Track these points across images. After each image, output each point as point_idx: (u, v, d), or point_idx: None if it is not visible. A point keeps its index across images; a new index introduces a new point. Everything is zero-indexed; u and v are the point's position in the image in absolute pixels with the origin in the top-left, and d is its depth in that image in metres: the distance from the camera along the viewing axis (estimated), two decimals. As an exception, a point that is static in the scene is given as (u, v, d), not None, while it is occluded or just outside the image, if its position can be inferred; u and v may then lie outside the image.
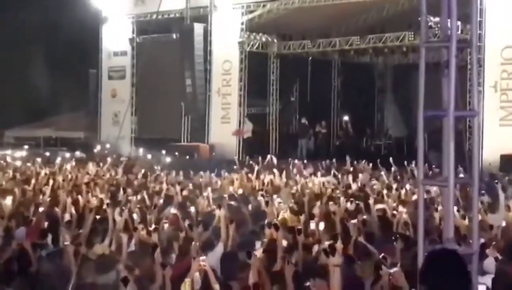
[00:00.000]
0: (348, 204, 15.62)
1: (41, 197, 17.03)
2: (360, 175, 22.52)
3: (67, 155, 31.35)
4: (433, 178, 10.44)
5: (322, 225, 12.67)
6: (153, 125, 34.79)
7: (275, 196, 17.35)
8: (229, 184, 20.40)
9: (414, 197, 16.61)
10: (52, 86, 36.07)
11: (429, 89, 6.50)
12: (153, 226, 12.61)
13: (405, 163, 23.41)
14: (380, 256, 10.32)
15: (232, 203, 15.85)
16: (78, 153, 32.43)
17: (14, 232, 12.56)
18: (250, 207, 15.87)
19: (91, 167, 24.87)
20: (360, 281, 9.97)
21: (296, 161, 27.22)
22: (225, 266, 10.42)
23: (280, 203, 16.15)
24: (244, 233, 12.40)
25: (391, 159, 24.18)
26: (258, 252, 9.83)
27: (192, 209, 15.17)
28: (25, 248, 10.72)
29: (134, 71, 36.32)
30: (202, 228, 12.80)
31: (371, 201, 15.14)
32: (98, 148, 33.94)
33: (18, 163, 26.50)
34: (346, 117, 36.38)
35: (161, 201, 16.57)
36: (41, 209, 14.52)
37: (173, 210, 14.61)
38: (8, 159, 28.74)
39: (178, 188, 18.84)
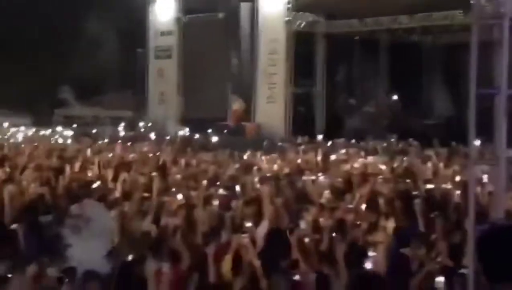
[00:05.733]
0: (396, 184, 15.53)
1: (89, 174, 17.19)
2: (408, 155, 22.35)
3: (115, 133, 31.61)
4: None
5: (363, 205, 12.66)
6: (200, 104, 34.84)
7: (321, 175, 17.31)
8: (275, 164, 20.38)
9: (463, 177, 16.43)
10: (101, 65, 36.31)
11: (478, 68, 6.38)
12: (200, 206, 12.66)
13: (454, 142, 23.19)
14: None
15: (278, 182, 15.83)
16: (126, 132, 32.65)
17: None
18: (296, 186, 15.84)
19: (138, 146, 25.03)
20: (407, 260, 9.92)
21: (343, 141, 27.10)
22: (271, 244, 10.42)
23: (326, 182, 16.10)
24: (289, 212, 12.36)
25: (436, 140, 23.95)
26: (302, 231, 9.81)
27: (238, 188, 15.18)
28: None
29: (180, 50, 36.38)
30: (249, 207, 12.79)
31: (420, 181, 15.02)
32: (145, 126, 34.11)
33: (67, 142, 26.78)
34: (394, 97, 36.07)
35: (208, 180, 16.60)
36: (94, 186, 14.68)
37: (221, 191, 14.62)
38: (58, 138, 29.09)
39: (224, 167, 18.90)
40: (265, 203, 12.19)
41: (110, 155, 21.01)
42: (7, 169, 16.88)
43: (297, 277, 8.93)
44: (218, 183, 15.90)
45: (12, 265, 8.63)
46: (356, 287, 6.80)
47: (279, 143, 26.47)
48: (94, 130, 32.73)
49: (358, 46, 35.94)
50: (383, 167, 19.48)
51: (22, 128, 32.47)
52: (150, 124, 34.42)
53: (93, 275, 8.36)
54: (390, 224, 10.93)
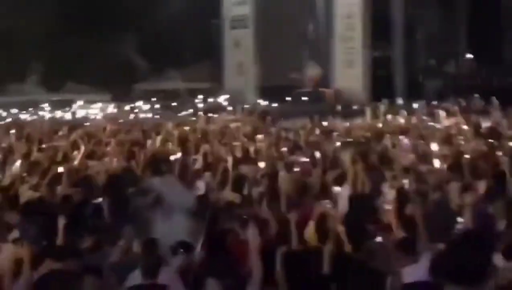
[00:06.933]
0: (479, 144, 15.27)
1: (171, 147, 17.30)
2: (491, 114, 21.94)
3: (194, 105, 31.87)
4: None
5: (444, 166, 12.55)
6: (277, 72, 34.75)
7: (403, 138, 17.10)
8: (356, 128, 20.24)
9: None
10: (176, 38, 36.48)
11: None
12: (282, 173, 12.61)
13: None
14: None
15: (360, 146, 15.70)
16: (205, 104, 32.86)
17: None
18: (378, 150, 15.69)
19: (218, 117, 25.13)
20: (493, 220, 9.73)
21: (423, 103, 26.74)
22: (354, 208, 10.34)
23: (408, 145, 15.90)
24: (372, 176, 12.23)
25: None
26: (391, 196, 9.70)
27: (318, 155, 15.10)
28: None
29: (256, 19, 36.27)
30: (331, 172, 12.71)
31: (504, 140, 14.71)
32: (223, 97, 34.21)
33: (148, 116, 27.08)
34: (473, 56, 35.37)
35: (289, 148, 16.56)
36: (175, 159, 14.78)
37: (302, 158, 14.56)
38: (138, 112, 29.47)
39: (304, 134, 18.84)
40: (348, 168, 12.06)
41: (191, 127, 21.14)
42: (90, 145, 17.11)
43: (384, 241, 8.84)
44: (299, 150, 15.85)
45: (98, 239, 8.75)
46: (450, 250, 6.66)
47: (358, 108, 26.20)
48: (173, 104, 33.02)
49: (436, 5, 35.25)
50: (466, 127, 19.14)
51: (101, 104, 32.93)
52: (232, 95, 34.42)
53: (187, 246, 8.24)
54: (482, 185, 10.73)
